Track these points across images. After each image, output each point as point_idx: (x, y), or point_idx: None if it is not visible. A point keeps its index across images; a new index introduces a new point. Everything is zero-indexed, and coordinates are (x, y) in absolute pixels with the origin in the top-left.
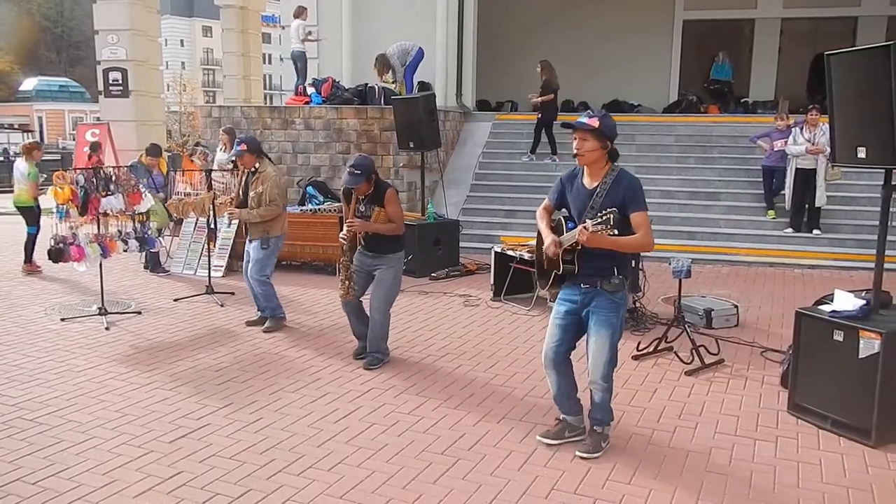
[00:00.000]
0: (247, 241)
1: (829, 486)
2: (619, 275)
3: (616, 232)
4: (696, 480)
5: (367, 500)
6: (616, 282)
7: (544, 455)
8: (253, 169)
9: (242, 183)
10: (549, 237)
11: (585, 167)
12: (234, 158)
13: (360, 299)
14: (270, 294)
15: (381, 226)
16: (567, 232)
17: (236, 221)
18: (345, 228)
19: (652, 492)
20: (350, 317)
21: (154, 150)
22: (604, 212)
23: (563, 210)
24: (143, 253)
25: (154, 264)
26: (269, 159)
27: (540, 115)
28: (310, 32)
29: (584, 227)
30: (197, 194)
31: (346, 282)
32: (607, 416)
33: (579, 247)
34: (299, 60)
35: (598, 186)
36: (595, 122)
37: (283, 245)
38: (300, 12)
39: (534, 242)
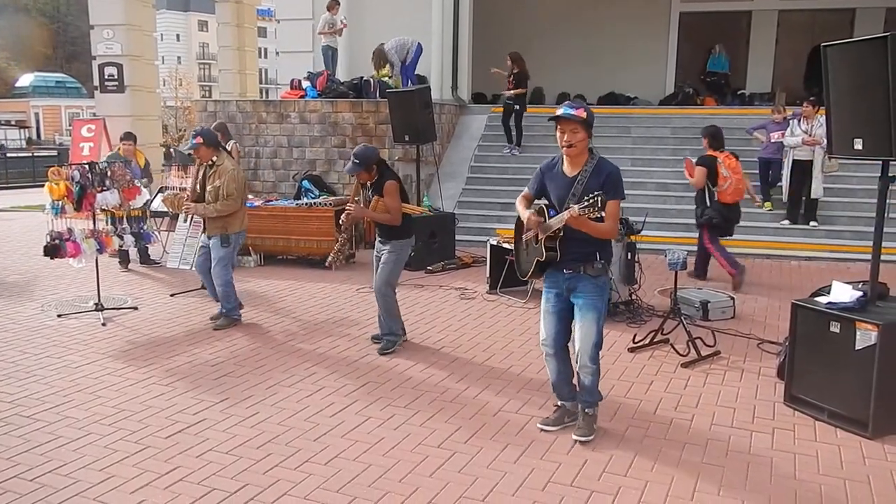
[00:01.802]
0: (202, 235)
1: (825, 478)
2: (601, 260)
3: (603, 214)
4: (693, 472)
5: (364, 494)
6: (599, 266)
7: (540, 447)
8: (210, 162)
9: (199, 177)
10: (527, 212)
11: (567, 157)
12: (189, 152)
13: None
14: (230, 294)
15: (377, 214)
16: (550, 219)
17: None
18: (344, 215)
19: (648, 484)
20: None
21: (127, 136)
22: (591, 195)
23: (543, 199)
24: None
25: (142, 255)
26: (228, 152)
27: (517, 107)
28: (341, 22)
29: (572, 211)
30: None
31: (338, 253)
32: (597, 396)
33: (561, 233)
34: (324, 54)
35: (578, 174)
36: (583, 113)
37: (270, 240)
38: (332, 6)
39: None
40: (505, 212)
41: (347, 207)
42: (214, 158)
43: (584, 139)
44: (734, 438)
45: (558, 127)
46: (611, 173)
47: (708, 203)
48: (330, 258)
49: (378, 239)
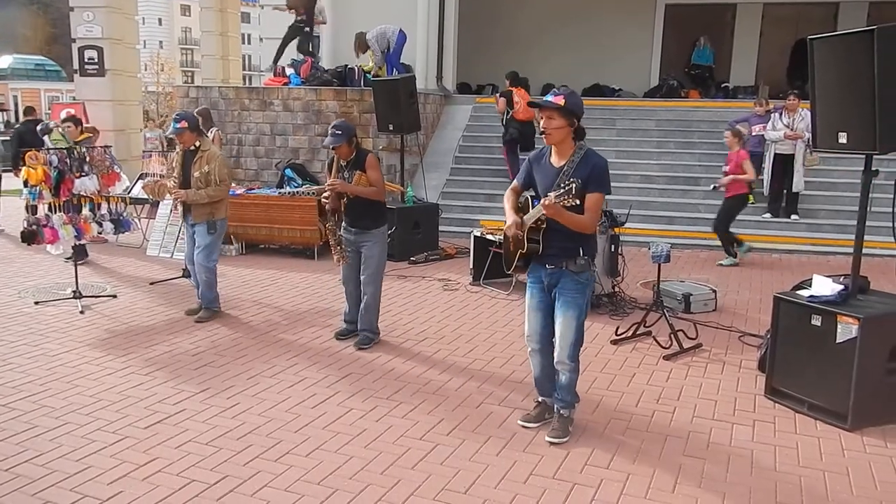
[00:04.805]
0: (187, 226)
1: (805, 470)
2: (584, 255)
3: (577, 202)
4: (674, 464)
5: (345, 486)
6: (581, 262)
7: (523, 440)
8: (193, 147)
9: (180, 162)
10: (511, 217)
11: (553, 146)
12: (171, 136)
13: (361, 278)
14: (213, 283)
15: (363, 189)
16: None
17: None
18: (326, 191)
19: (630, 476)
20: (349, 297)
21: (73, 120)
22: (566, 181)
23: (531, 191)
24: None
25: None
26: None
27: (307, 29)
28: (321, 14)
29: (547, 199)
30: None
31: (337, 246)
32: (574, 398)
33: (544, 226)
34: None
35: (565, 165)
36: (561, 100)
37: (252, 229)
38: None
39: None
40: (489, 203)
41: (328, 187)
42: (198, 143)
43: (561, 126)
44: (715, 431)
45: (540, 114)
46: (597, 165)
47: (506, 125)
48: (335, 257)
49: (352, 229)
